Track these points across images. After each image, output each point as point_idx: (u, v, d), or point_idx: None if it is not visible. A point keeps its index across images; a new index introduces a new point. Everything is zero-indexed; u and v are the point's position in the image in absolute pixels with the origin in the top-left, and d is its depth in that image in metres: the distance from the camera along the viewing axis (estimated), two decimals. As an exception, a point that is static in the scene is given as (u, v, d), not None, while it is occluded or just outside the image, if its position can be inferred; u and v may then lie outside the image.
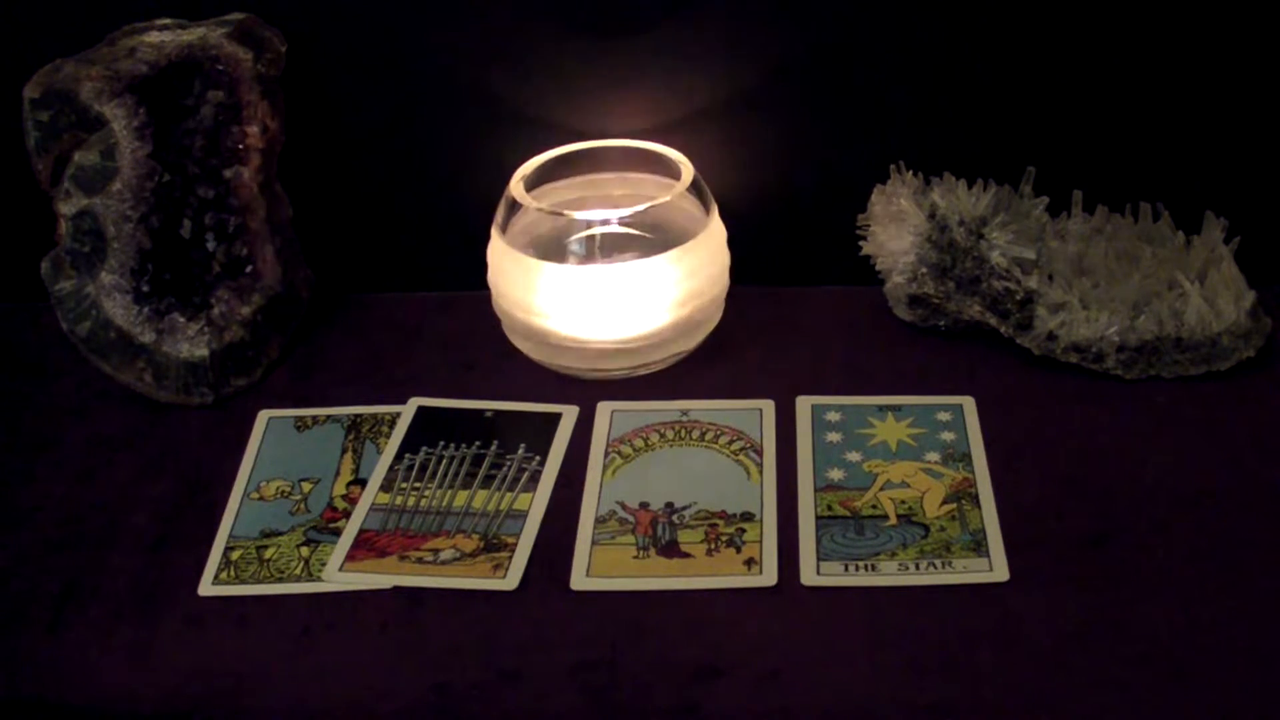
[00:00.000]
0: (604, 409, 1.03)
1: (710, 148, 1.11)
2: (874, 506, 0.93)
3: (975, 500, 0.93)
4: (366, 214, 1.17)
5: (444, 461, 0.99)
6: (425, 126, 1.13)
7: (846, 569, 0.89)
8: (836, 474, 0.96)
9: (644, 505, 0.95)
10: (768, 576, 0.88)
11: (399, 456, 0.99)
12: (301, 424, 1.03)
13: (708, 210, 1.05)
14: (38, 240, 1.04)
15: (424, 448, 1.00)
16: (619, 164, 1.09)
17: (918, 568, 0.88)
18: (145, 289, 1.03)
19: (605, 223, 1.05)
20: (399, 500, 0.96)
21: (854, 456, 0.97)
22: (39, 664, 0.85)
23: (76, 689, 0.84)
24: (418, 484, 0.97)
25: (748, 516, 0.93)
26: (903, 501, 0.93)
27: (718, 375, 1.06)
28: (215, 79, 1.04)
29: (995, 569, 0.88)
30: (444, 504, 0.95)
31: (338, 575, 0.90)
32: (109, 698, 0.83)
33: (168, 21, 1.06)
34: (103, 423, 1.04)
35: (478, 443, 1.00)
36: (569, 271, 1.03)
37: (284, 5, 1.08)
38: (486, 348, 1.09)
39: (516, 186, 1.05)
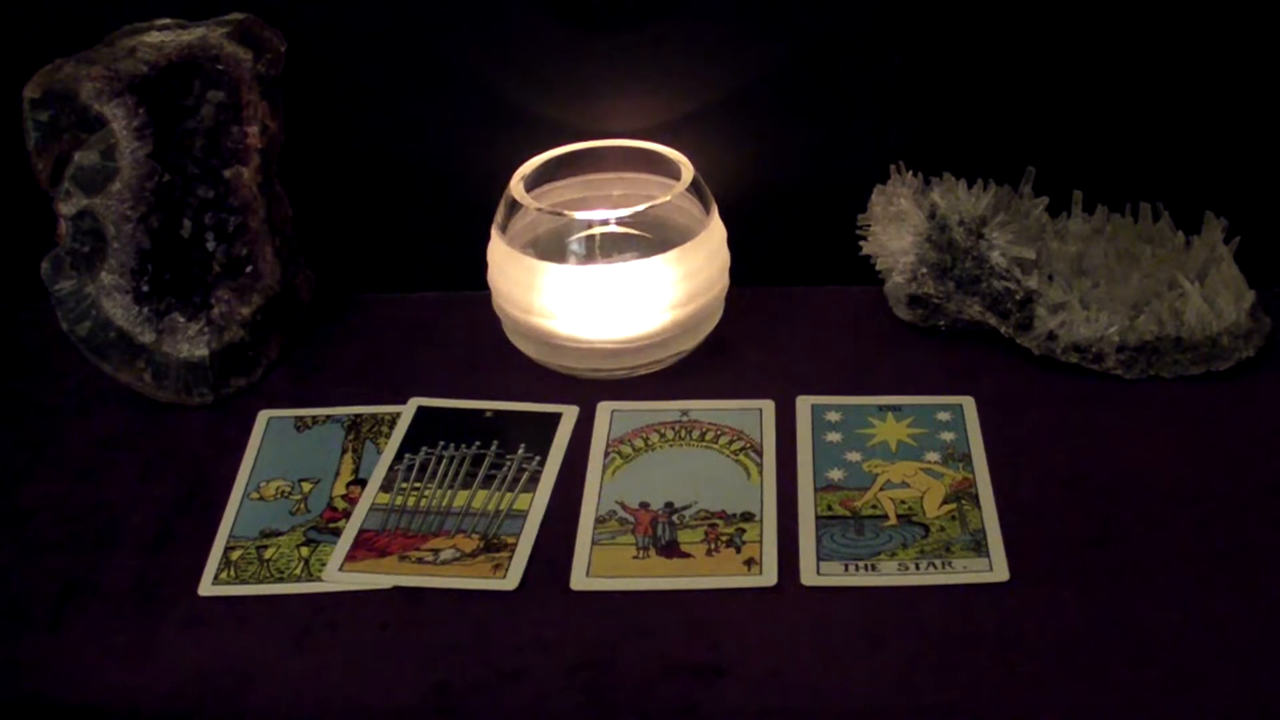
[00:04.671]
0: (604, 409, 1.03)
1: (710, 148, 1.11)
2: (874, 506, 0.93)
3: (975, 500, 0.93)
4: (366, 214, 1.17)
5: (444, 461, 0.99)
6: (425, 126, 1.13)
7: (846, 569, 0.89)
8: (836, 474, 0.96)
9: (644, 505, 0.94)
10: (768, 576, 0.88)
11: (399, 456, 0.99)
12: (301, 424, 1.03)
13: (708, 210, 1.05)
14: (38, 240, 1.04)
15: (424, 448, 1.00)
16: (619, 164, 1.09)
17: (918, 568, 0.88)
18: (145, 289, 1.03)
19: (605, 223, 1.05)
20: (399, 500, 0.96)
21: (854, 456, 0.97)
22: (39, 664, 0.85)
23: (76, 689, 0.84)
24: (418, 484, 0.97)
25: (748, 516, 0.93)
26: (903, 501, 0.93)
27: (718, 375, 1.06)
28: (215, 79, 1.04)
29: (995, 569, 0.88)
30: (444, 504, 0.95)
31: (338, 575, 0.90)
32: (109, 698, 0.83)
33: (168, 21, 1.06)
34: (103, 423, 1.04)
35: (478, 443, 1.00)
36: (569, 271, 1.03)
37: (284, 5, 1.08)
38: (486, 348, 1.09)
39: (516, 186, 1.05)
